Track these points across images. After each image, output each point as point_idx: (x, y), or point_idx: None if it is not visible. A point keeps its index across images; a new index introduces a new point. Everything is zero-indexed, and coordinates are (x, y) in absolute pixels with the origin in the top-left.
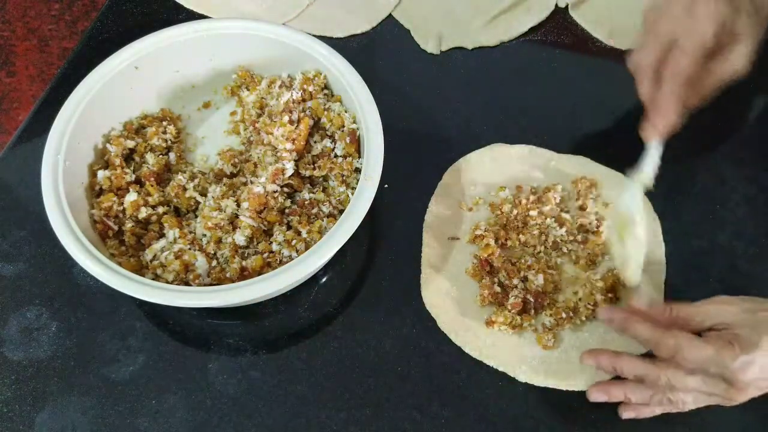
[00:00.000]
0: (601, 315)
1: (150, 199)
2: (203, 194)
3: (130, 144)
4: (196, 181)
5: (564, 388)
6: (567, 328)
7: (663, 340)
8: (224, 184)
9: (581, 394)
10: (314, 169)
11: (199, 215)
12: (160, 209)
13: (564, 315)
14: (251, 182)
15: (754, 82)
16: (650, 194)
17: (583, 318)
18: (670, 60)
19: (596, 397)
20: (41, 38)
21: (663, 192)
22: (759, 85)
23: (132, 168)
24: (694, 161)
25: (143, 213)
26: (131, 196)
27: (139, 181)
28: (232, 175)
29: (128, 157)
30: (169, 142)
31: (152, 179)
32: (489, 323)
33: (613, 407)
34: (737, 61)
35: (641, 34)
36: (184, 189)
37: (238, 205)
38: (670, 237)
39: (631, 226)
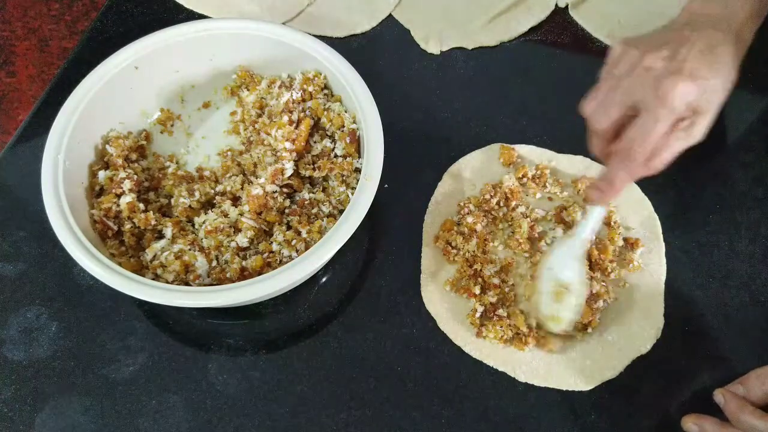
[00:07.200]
0: (717, 398)
1: (150, 208)
2: (209, 201)
3: (130, 143)
4: (197, 195)
5: (564, 388)
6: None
7: None
8: (223, 191)
9: (581, 394)
10: (314, 169)
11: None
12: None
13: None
14: (250, 183)
15: (758, 82)
16: (651, 193)
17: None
18: (631, 138)
19: (689, 428)
20: (41, 38)
21: (663, 191)
22: (761, 85)
23: (132, 170)
24: (694, 161)
25: (140, 220)
26: (126, 198)
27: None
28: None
29: (127, 158)
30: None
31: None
32: (479, 335)
33: (613, 408)
34: (697, 135)
35: (602, 81)
36: (191, 207)
37: (235, 206)
38: (671, 237)
39: (567, 295)
